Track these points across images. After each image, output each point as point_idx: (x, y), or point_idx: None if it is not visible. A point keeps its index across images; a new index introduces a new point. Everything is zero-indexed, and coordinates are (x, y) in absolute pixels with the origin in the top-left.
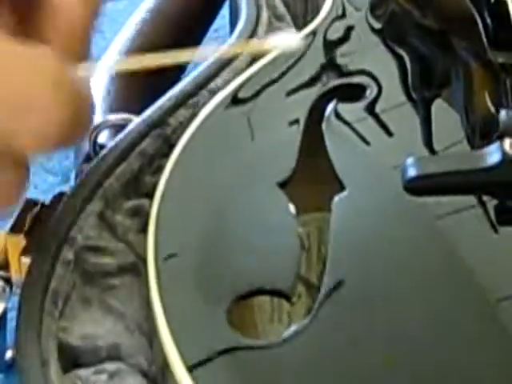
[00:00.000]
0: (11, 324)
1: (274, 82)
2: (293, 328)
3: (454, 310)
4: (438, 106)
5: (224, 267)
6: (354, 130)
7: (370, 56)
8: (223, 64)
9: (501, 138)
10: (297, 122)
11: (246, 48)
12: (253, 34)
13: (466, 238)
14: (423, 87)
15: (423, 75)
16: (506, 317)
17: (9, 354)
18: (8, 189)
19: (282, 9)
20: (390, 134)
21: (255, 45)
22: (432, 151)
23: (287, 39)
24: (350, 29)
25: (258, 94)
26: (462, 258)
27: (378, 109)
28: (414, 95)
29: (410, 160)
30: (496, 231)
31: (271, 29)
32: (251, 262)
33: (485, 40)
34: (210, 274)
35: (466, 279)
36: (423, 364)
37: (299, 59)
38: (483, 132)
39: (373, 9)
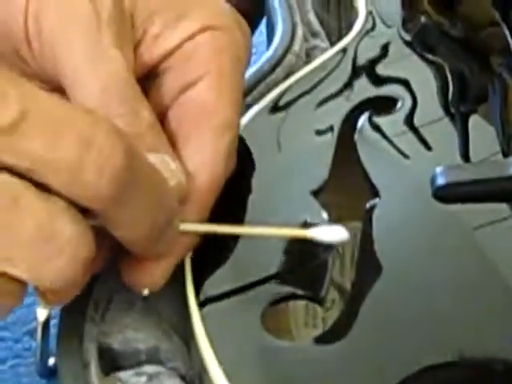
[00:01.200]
0: (53, 331)
1: (307, 93)
2: (323, 330)
3: (490, 321)
4: (472, 120)
5: (258, 273)
6: (387, 141)
7: (402, 69)
8: (259, 78)
9: None
10: (330, 132)
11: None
12: (288, 50)
13: (504, 249)
14: (458, 100)
15: (458, 88)
16: None
17: (52, 360)
18: None
19: (317, 25)
20: (427, 146)
21: (300, 233)
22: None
23: (332, 233)
24: (382, 43)
25: (292, 104)
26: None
27: (411, 121)
28: (449, 109)
29: (439, 169)
30: None
31: (306, 45)
32: (285, 267)
33: None
34: (244, 279)
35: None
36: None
37: (333, 73)
38: None
39: (404, 23)
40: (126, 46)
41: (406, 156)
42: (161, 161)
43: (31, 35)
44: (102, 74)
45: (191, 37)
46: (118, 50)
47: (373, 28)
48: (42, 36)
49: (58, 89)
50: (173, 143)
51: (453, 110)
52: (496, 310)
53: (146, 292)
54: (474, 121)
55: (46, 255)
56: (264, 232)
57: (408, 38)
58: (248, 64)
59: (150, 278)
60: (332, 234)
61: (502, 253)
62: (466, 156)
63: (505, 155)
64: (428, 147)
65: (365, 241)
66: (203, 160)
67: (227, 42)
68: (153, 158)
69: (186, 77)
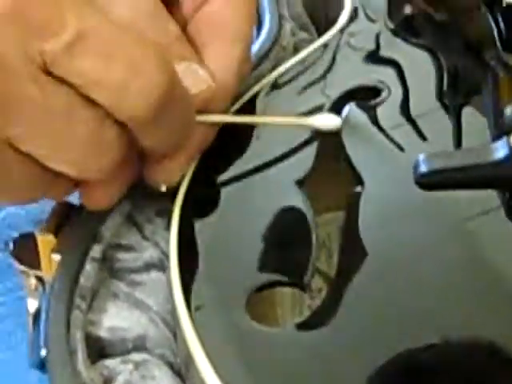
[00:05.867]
0: None
1: (293, 83)
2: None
3: (475, 307)
4: (467, 110)
5: (243, 260)
6: (373, 130)
7: (388, 58)
8: None
9: (508, 133)
10: None
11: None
12: (275, 43)
13: (488, 237)
14: (447, 91)
15: (447, 78)
16: None
17: (43, 352)
18: None
19: (305, 19)
20: (417, 136)
21: (296, 121)
22: None
23: (327, 120)
24: (368, 34)
25: (277, 93)
26: (486, 259)
27: (399, 111)
28: (439, 99)
29: (421, 156)
30: None
31: (294, 38)
32: (269, 255)
33: (498, 43)
34: (229, 267)
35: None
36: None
37: (318, 63)
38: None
39: (390, 13)
40: None
41: (393, 145)
42: (190, 68)
43: None
44: None
45: None
46: None
47: (359, 19)
48: None
49: None
50: None
51: (443, 100)
52: (482, 294)
53: (163, 188)
54: (466, 111)
55: (92, 155)
56: (267, 121)
57: (394, 27)
58: None
59: (168, 173)
60: (328, 121)
61: (489, 240)
62: (458, 145)
63: None
64: (418, 137)
65: (350, 230)
66: (219, 65)
67: None
68: (183, 65)
69: None
